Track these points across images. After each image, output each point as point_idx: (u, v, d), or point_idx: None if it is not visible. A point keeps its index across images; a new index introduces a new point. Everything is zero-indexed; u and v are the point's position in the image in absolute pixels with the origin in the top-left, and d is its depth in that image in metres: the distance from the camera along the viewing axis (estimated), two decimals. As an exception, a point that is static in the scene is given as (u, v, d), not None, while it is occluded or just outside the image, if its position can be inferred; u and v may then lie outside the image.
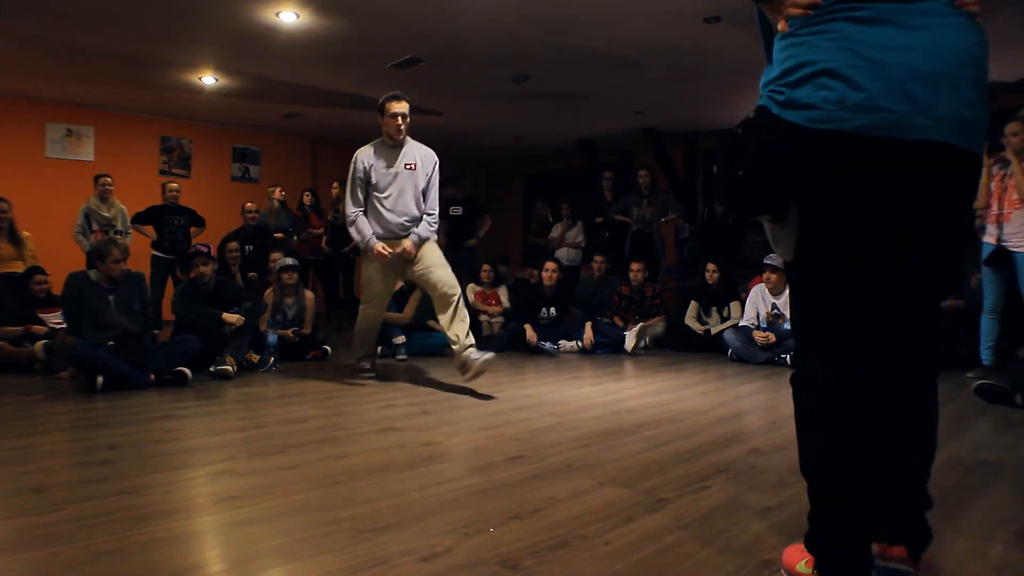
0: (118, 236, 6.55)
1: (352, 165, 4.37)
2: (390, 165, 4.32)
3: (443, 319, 4.28)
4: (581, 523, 1.96)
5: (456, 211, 8.33)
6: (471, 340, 4.21)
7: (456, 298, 4.28)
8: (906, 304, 1.52)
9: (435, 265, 4.35)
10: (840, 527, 1.47)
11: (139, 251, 6.97)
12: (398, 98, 4.27)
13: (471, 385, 4.26)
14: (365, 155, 4.36)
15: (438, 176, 4.47)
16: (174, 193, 7.43)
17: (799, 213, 1.48)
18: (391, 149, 4.35)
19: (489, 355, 4.11)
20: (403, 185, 4.33)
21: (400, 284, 5.46)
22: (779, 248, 1.57)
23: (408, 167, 4.34)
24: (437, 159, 4.46)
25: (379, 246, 4.27)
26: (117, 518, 1.99)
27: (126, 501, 2.13)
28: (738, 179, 1.50)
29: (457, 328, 4.21)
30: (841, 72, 1.38)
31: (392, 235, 4.34)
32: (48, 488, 2.27)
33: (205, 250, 5.10)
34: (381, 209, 4.33)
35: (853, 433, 1.49)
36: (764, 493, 2.24)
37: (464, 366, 4.14)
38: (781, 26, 1.50)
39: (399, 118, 4.24)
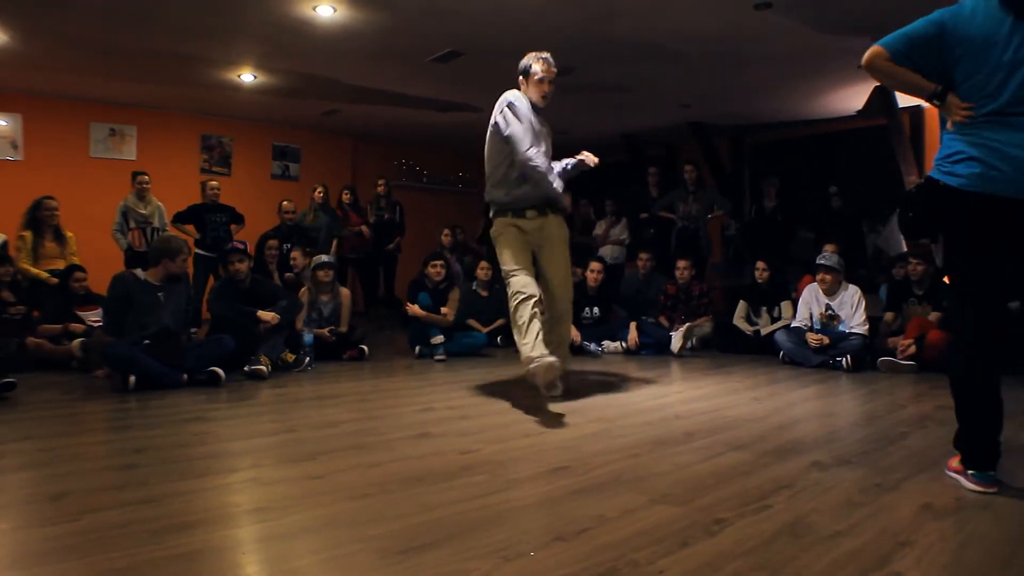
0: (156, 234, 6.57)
1: (512, 108, 3.78)
2: (540, 125, 3.90)
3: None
4: (632, 547, 1.77)
5: None
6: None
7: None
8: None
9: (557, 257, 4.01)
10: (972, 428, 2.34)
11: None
12: (547, 61, 3.85)
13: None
14: (522, 101, 3.83)
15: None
16: (214, 191, 7.41)
17: (944, 239, 2.42)
18: (536, 111, 3.91)
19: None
20: (547, 152, 3.92)
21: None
22: (936, 257, 2.62)
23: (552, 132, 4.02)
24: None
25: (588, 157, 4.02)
26: (133, 531, 1.87)
27: (144, 512, 2.01)
28: (911, 217, 2.47)
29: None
30: (980, 159, 2.24)
31: (530, 204, 3.91)
32: (66, 495, 2.16)
33: (241, 247, 5.02)
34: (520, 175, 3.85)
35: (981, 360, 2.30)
36: (832, 515, 2.03)
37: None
38: (949, 125, 2.36)
39: (547, 84, 3.86)
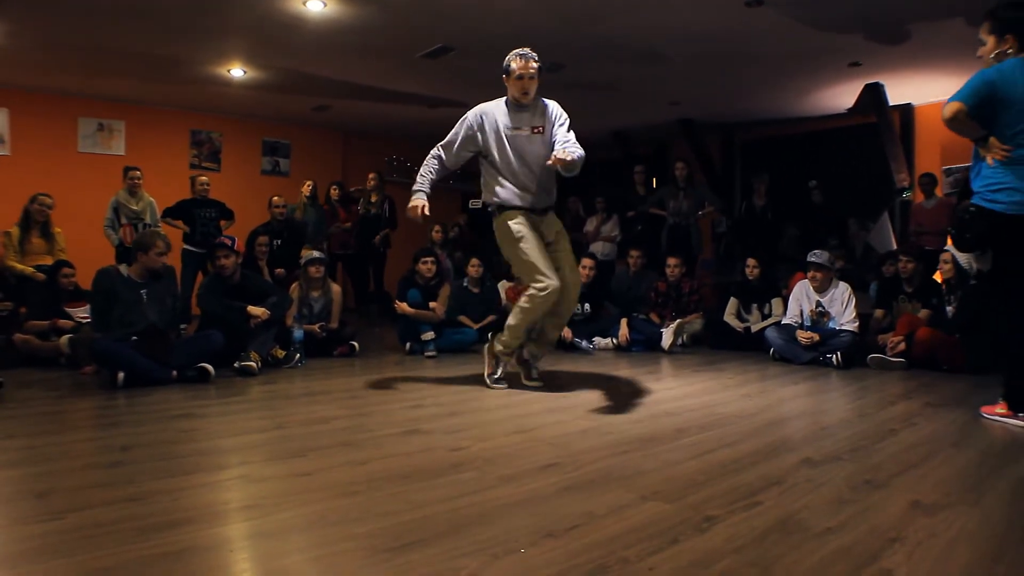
0: (156, 229, 6.53)
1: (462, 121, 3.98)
2: (517, 127, 3.92)
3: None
4: (622, 544, 1.77)
5: (477, 204, 8.16)
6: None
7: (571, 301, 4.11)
8: None
9: (568, 251, 4.09)
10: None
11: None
12: (524, 57, 3.83)
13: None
14: (482, 112, 3.95)
15: (560, 130, 3.97)
16: (204, 187, 7.37)
17: (992, 251, 3.20)
18: (517, 112, 3.93)
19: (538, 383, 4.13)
20: (530, 150, 3.93)
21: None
22: (980, 264, 3.36)
23: (536, 131, 3.93)
24: (557, 105, 4.03)
25: (418, 203, 3.91)
26: (119, 528, 1.85)
27: (131, 509, 1.99)
28: (968, 238, 3.20)
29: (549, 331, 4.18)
30: (1018, 188, 3.06)
31: (527, 205, 3.97)
32: (52, 493, 2.14)
33: (229, 243, 4.99)
34: (509, 175, 3.95)
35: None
36: (823, 511, 2.03)
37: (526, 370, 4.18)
38: (990, 160, 3.11)
39: (525, 79, 3.82)
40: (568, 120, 4.01)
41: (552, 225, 4.07)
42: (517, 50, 3.88)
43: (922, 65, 7.07)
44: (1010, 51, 3.09)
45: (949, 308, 5.23)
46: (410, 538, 1.79)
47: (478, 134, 3.95)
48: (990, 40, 3.16)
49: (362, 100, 8.82)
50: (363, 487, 2.21)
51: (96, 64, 7.29)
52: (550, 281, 3.80)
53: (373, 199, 8.49)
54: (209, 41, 6.58)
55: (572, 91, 7.96)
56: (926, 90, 8.00)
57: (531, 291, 3.85)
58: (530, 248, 3.86)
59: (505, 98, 3.97)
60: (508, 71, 3.88)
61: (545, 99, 4.02)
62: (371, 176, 8.58)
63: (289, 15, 5.81)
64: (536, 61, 3.85)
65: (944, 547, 1.78)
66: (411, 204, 3.93)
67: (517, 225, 3.90)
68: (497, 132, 3.92)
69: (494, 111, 3.95)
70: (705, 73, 7.43)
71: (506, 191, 3.95)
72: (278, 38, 6.43)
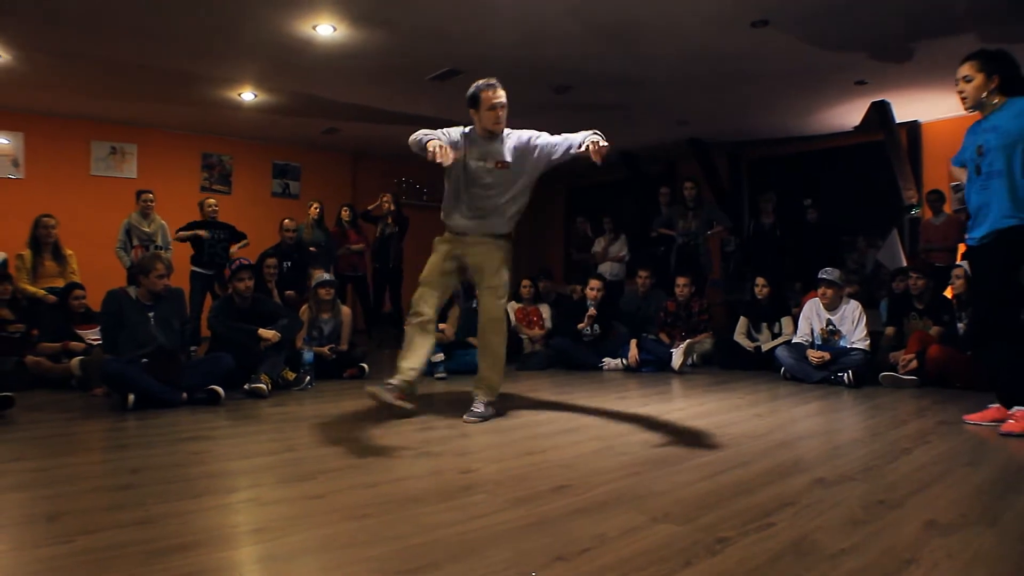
0: (159, 251, 6.57)
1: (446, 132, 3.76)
2: (482, 158, 3.77)
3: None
4: (634, 567, 1.75)
5: None
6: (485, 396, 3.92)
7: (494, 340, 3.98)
8: None
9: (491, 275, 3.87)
10: None
11: (178, 266, 6.95)
12: (494, 87, 3.70)
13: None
14: (455, 135, 3.78)
15: (543, 140, 3.80)
16: (213, 209, 7.42)
17: None
18: (486, 143, 3.79)
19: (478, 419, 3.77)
20: (488, 183, 3.79)
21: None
22: None
23: (500, 166, 3.77)
24: (530, 134, 3.83)
25: (441, 149, 3.38)
26: (129, 552, 1.84)
27: (141, 532, 1.99)
28: None
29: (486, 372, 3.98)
30: None
31: (461, 230, 3.88)
32: (62, 516, 2.14)
33: (248, 263, 5.03)
34: (457, 200, 3.86)
35: None
36: (836, 532, 2.01)
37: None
38: None
39: (499, 108, 3.70)
40: (543, 134, 3.87)
41: (486, 254, 3.87)
42: (481, 81, 3.75)
43: (928, 83, 7.07)
44: (993, 89, 3.40)
45: (960, 325, 5.20)
46: (421, 561, 1.78)
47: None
48: (979, 77, 3.43)
49: (371, 122, 8.89)
50: (373, 510, 2.20)
51: (109, 88, 7.38)
52: (417, 308, 3.88)
53: (389, 220, 8.50)
54: (220, 65, 6.66)
55: (579, 112, 8.00)
56: (932, 107, 8.00)
57: None
58: (426, 272, 3.92)
59: (473, 127, 3.83)
60: (477, 102, 3.72)
61: (512, 130, 3.86)
62: (386, 199, 8.54)
63: (299, 39, 5.87)
64: (502, 88, 3.74)
65: (961, 568, 1.76)
66: (434, 151, 3.38)
67: (437, 248, 3.95)
68: (460, 160, 3.75)
69: (464, 138, 3.80)
70: (712, 92, 7.45)
71: (449, 214, 3.91)
72: (288, 62, 6.50)
